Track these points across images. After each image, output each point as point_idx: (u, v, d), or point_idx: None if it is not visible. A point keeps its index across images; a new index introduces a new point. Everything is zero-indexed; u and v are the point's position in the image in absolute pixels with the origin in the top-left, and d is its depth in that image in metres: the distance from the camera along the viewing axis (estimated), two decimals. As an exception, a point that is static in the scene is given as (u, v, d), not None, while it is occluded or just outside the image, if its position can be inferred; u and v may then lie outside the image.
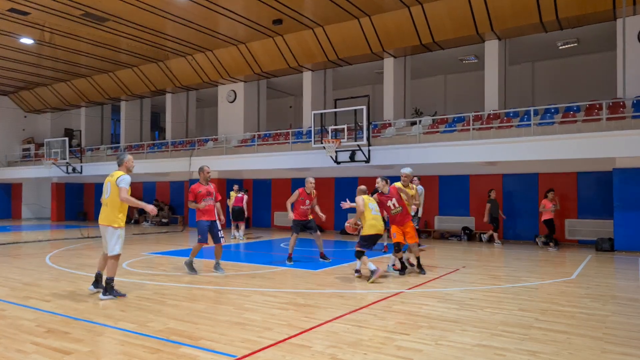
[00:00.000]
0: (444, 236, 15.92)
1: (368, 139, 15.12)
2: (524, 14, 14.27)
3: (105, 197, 6.46)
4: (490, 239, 14.51)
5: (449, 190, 16.40)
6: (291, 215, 9.78)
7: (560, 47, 17.30)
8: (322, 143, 15.33)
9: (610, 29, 14.85)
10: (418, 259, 8.63)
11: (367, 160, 15.24)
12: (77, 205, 27.15)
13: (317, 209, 9.99)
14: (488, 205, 13.86)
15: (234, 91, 21.64)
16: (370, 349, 4.40)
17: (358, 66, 19.37)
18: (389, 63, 17.92)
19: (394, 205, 8.38)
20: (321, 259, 10.19)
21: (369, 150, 15.26)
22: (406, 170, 8.88)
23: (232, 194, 15.53)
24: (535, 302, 6.39)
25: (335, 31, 17.08)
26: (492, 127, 14.53)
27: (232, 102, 21.72)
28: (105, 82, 24.00)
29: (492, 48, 16.03)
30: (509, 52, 16.88)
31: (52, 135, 27.96)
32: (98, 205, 28.69)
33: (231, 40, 18.74)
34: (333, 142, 15.03)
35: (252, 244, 14.31)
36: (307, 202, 9.85)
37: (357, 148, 15.33)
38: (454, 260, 10.72)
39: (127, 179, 6.39)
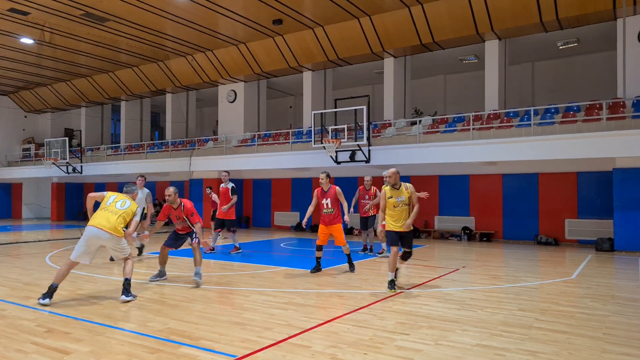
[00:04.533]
0: (444, 236, 15.93)
1: (368, 139, 15.12)
2: (524, 14, 14.27)
3: (117, 207, 6.48)
4: None
5: (449, 190, 16.39)
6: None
7: (560, 47, 17.30)
8: (322, 143, 15.32)
9: (610, 29, 14.84)
10: (348, 255, 8.80)
11: (367, 160, 15.24)
12: (77, 205, 27.13)
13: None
14: None
15: (234, 91, 21.64)
16: (370, 349, 4.40)
17: (358, 66, 19.37)
18: (389, 63, 17.92)
19: (326, 205, 8.57)
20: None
21: (369, 150, 15.26)
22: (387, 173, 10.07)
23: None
24: (535, 302, 6.39)
25: (335, 31, 17.08)
26: (492, 127, 14.52)
27: (232, 102, 21.72)
28: (105, 82, 24.00)
29: (492, 48, 16.03)
30: (509, 52, 16.87)
31: (52, 135, 27.97)
32: (98, 205, 28.94)
33: (231, 40, 18.74)
34: (333, 142, 15.03)
35: (252, 243, 14.29)
36: None
37: (357, 148, 15.33)
38: (454, 260, 10.72)
39: (139, 211, 6.78)
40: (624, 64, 13.74)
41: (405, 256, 7.34)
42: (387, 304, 6.21)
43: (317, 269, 8.70)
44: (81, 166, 23.52)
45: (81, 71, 23.21)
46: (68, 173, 23.61)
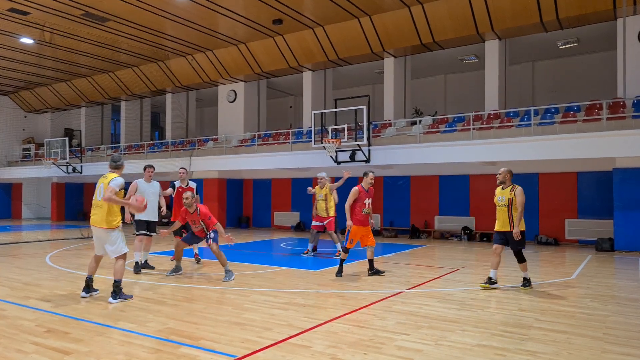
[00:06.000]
0: (444, 236, 15.92)
1: (368, 138, 15.12)
2: (524, 14, 14.27)
3: (98, 199, 6.38)
4: None
5: (449, 190, 16.39)
6: None
7: (560, 47, 17.30)
8: (322, 143, 15.33)
9: (610, 29, 14.84)
10: (371, 261, 8.44)
11: (368, 160, 15.24)
12: (77, 205, 27.15)
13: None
14: None
15: (234, 91, 21.64)
16: (370, 349, 4.40)
17: (358, 66, 19.37)
18: (389, 63, 17.92)
19: (368, 205, 8.34)
20: None
21: (369, 150, 15.26)
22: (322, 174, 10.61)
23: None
24: (535, 302, 6.39)
25: (335, 31, 17.08)
26: (492, 127, 14.52)
27: (232, 102, 21.72)
28: (105, 82, 24.00)
29: (492, 48, 16.02)
30: (509, 52, 16.87)
31: (52, 135, 27.97)
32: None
33: (231, 40, 18.74)
34: (333, 142, 15.03)
35: (252, 243, 14.29)
36: None
37: (358, 148, 15.33)
38: (454, 260, 10.72)
39: (119, 181, 6.30)
40: (624, 64, 13.74)
41: (517, 258, 7.40)
42: (387, 304, 6.21)
43: (341, 271, 8.35)
44: (81, 166, 23.53)
45: (81, 71, 23.21)
46: (68, 173, 23.62)
